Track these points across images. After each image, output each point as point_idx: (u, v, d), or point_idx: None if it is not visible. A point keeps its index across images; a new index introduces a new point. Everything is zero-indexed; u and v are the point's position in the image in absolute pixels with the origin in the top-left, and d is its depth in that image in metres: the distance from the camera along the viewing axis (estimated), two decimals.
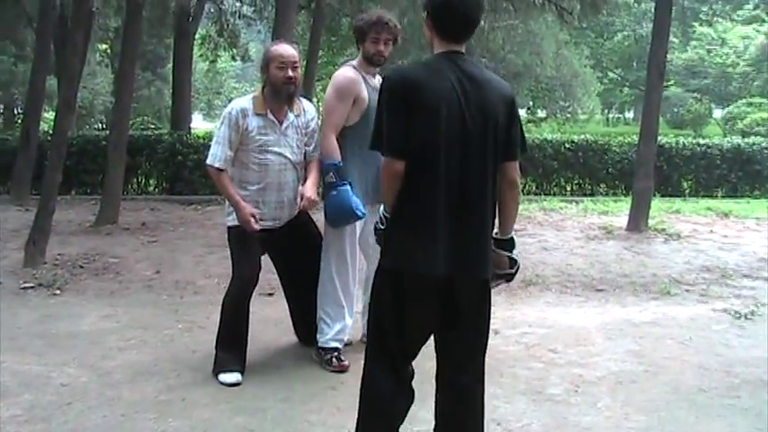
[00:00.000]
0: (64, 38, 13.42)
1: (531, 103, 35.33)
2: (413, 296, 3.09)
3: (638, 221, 10.29)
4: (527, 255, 8.40)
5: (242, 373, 4.60)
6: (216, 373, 4.62)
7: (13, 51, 25.01)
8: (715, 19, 41.87)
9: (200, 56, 24.56)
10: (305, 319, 5.07)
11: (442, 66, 3.08)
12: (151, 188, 14.45)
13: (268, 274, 5.23)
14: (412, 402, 3.34)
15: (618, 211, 11.98)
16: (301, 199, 4.72)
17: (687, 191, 15.80)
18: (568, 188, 15.68)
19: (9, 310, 6.09)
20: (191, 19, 18.86)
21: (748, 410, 4.35)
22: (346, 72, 4.87)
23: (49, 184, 8.00)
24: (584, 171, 15.55)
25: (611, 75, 42.77)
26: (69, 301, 6.45)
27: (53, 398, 4.31)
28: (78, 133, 14.80)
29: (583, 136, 16.38)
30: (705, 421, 4.20)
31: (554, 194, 15.23)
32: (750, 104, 31.60)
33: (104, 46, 26.67)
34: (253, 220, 4.61)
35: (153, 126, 25.88)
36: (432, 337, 3.25)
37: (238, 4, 20.88)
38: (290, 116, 4.76)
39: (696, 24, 40.40)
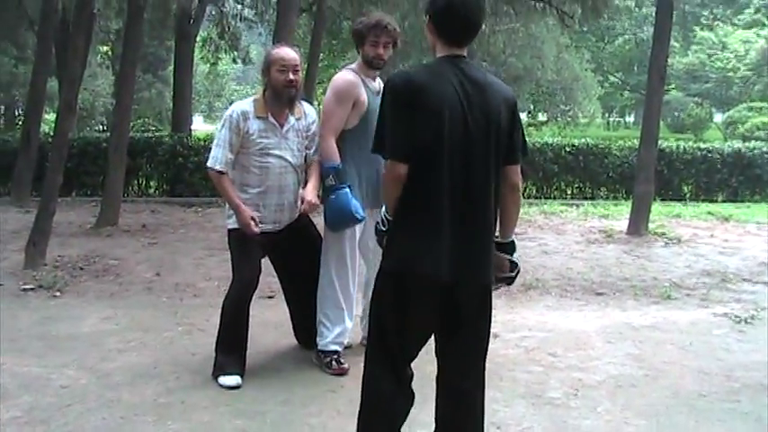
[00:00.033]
0: (65, 40, 13.41)
1: (531, 107, 35.36)
2: (414, 298, 3.09)
3: (638, 225, 10.29)
4: (527, 258, 8.41)
5: (242, 376, 4.60)
6: (215, 375, 4.61)
7: (14, 53, 25.02)
8: (716, 23, 41.89)
9: (201, 58, 24.61)
10: (305, 322, 5.06)
11: (444, 69, 3.08)
12: (152, 190, 14.45)
13: (268, 277, 5.23)
14: (412, 404, 3.33)
15: (618, 215, 12.00)
16: (302, 202, 4.72)
17: (688, 195, 15.79)
18: (569, 192, 15.68)
19: (9, 312, 6.08)
20: (192, 21, 18.87)
21: (748, 415, 4.34)
22: (345, 75, 4.87)
23: (50, 185, 8.00)
24: (584, 175, 15.54)
25: (611, 79, 42.82)
26: (69, 303, 6.45)
27: (53, 400, 4.31)
28: (79, 135, 14.80)
29: (583, 140, 16.40)
30: (705, 426, 4.19)
31: (554, 198, 15.24)
32: (751, 109, 31.62)
33: (105, 48, 26.69)
34: (253, 223, 4.61)
35: (154, 128, 25.89)
36: (433, 341, 3.26)
37: (239, 6, 20.91)
38: (291, 119, 4.76)
39: (697, 29, 40.45)
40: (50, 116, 21.98)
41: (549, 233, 10.45)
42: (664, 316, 6.41)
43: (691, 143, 17.19)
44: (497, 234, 3.24)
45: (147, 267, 7.75)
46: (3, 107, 32.90)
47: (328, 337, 4.87)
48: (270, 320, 5.77)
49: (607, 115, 47.28)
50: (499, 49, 22.04)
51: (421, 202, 3.04)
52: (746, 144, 17.26)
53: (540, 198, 15.06)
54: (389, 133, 3.05)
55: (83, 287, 6.97)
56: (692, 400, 4.54)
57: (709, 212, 12.79)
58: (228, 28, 20.64)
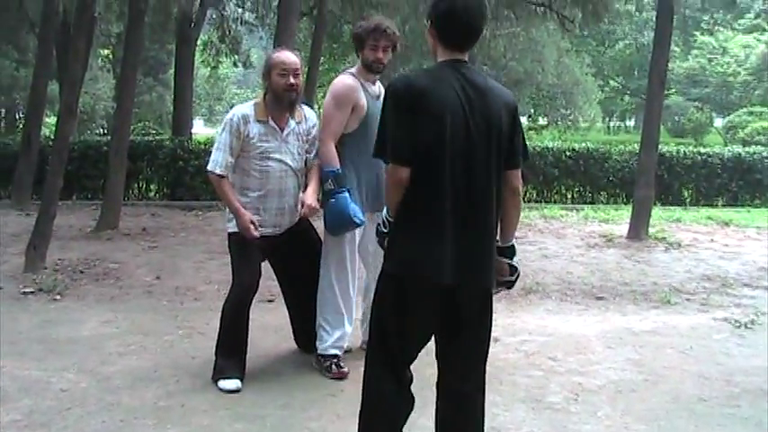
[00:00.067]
0: (66, 43, 13.44)
1: (532, 111, 35.36)
2: (416, 301, 3.10)
3: (638, 230, 10.29)
4: (527, 262, 8.41)
5: (241, 380, 4.59)
6: (215, 379, 4.61)
7: (15, 56, 25.06)
8: (716, 28, 41.90)
9: (202, 62, 24.63)
10: (304, 326, 5.06)
11: (445, 74, 3.09)
12: (152, 194, 14.45)
13: (268, 280, 5.23)
14: (412, 408, 3.34)
15: (618, 220, 12.00)
16: (302, 206, 4.72)
17: (688, 200, 15.80)
18: (569, 196, 15.69)
19: (9, 315, 6.08)
20: (193, 25, 18.90)
21: (748, 420, 4.34)
22: (344, 80, 4.87)
23: (50, 188, 8.00)
24: (584, 179, 15.55)
25: (612, 83, 42.84)
26: (69, 307, 6.45)
27: (53, 403, 4.30)
28: (80, 138, 14.83)
29: (584, 144, 16.41)
30: (705, 430, 4.19)
31: (555, 202, 15.24)
32: (751, 113, 31.61)
33: (106, 51, 26.76)
34: (252, 227, 4.61)
35: (154, 131, 25.91)
36: (433, 344, 3.26)
37: (240, 10, 20.94)
38: (292, 123, 4.77)
39: (697, 33, 40.44)
40: (51, 119, 22.03)
41: (550, 237, 10.46)
42: (664, 320, 6.41)
43: (691, 148, 17.22)
44: (497, 238, 3.25)
45: (148, 271, 7.75)
46: (3, 110, 32.94)
47: (328, 341, 4.87)
48: (270, 324, 5.77)
49: (607, 119, 47.31)
50: (500, 53, 22.05)
51: (423, 206, 3.05)
52: (746, 149, 17.30)
53: (541, 202, 15.06)
54: (391, 137, 3.05)
55: (83, 290, 6.97)
56: (692, 404, 4.53)
57: (709, 217, 12.79)
58: (229, 31, 20.67)
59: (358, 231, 4.83)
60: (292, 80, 4.63)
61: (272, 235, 4.76)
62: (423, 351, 3.30)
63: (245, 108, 4.75)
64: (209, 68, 27.77)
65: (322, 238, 4.94)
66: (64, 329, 5.74)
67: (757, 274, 8.31)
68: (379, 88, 4.95)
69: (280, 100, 4.67)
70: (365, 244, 4.96)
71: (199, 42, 21.26)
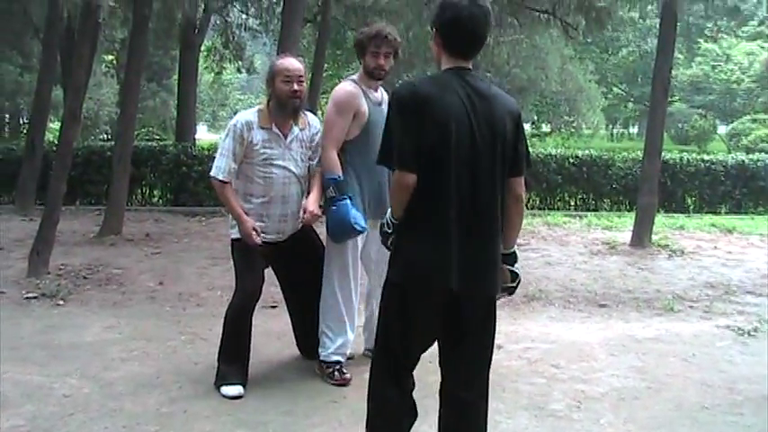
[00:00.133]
0: (70, 49, 13.45)
1: (535, 118, 35.41)
2: (420, 308, 3.12)
3: (641, 237, 10.29)
4: (530, 269, 8.41)
5: (244, 386, 4.59)
6: (218, 385, 4.61)
7: (19, 62, 25.12)
8: (720, 35, 41.88)
9: (206, 67, 24.67)
10: (307, 332, 5.06)
11: (450, 81, 3.09)
12: (155, 199, 14.46)
13: (271, 287, 5.23)
14: (415, 418, 3.35)
15: (622, 227, 12.00)
16: (304, 213, 4.72)
17: (691, 207, 15.78)
18: (572, 203, 15.68)
19: (12, 320, 6.09)
20: (197, 31, 18.96)
21: (751, 428, 4.33)
22: (346, 86, 4.87)
23: (54, 194, 8.01)
24: (588, 186, 15.54)
25: (615, 90, 42.83)
26: (72, 312, 6.45)
27: (55, 409, 4.30)
28: (83, 144, 14.82)
29: (587, 151, 16.39)
30: None
31: (558, 209, 15.22)
32: (755, 121, 31.63)
33: (110, 57, 26.78)
34: (255, 233, 4.61)
35: (158, 137, 25.94)
36: (436, 351, 3.27)
37: (244, 16, 20.97)
38: (295, 130, 4.77)
39: (701, 40, 40.44)
40: (55, 125, 22.05)
41: (553, 244, 10.45)
42: (667, 328, 6.40)
43: (694, 155, 17.17)
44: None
45: (151, 276, 7.75)
46: (7, 116, 33.02)
47: (331, 348, 4.87)
48: (272, 330, 5.77)
49: (611, 126, 47.30)
50: (503, 60, 22.05)
51: (428, 214, 3.05)
52: (750, 156, 17.27)
53: (544, 209, 15.05)
54: (397, 144, 3.06)
55: (86, 296, 6.97)
56: (694, 412, 4.53)
57: (712, 224, 12.78)
58: (233, 37, 20.71)
59: (360, 238, 4.82)
60: (296, 87, 4.64)
61: (275, 241, 4.76)
62: (426, 358, 3.31)
63: (249, 114, 4.75)
64: (212, 74, 27.82)
65: (325, 245, 4.95)
66: (67, 335, 5.74)
67: (761, 281, 8.29)
68: (381, 95, 4.96)
69: (283, 107, 4.67)
70: (368, 251, 4.96)
71: (203, 48, 21.33)
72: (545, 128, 36.50)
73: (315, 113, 5.70)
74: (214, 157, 4.76)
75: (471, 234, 3.04)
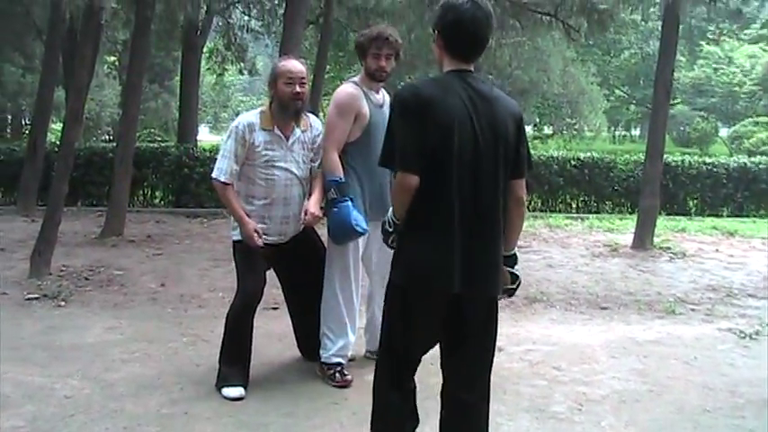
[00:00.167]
0: (72, 50, 13.46)
1: (537, 120, 35.41)
2: (422, 309, 3.13)
3: (643, 239, 10.29)
4: (532, 271, 8.41)
5: (245, 388, 4.59)
6: (219, 387, 4.61)
7: (21, 63, 25.13)
8: (722, 38, 41.87)
9: (208, 69, 24.64)
10: (308, 334, 5.05)
11: (452, 84, 3.09)
12: (157, 200, 14.48)
13: (273, 288, 5.23)
14: (417, 424, 3.36)
15: (623, 229, 11.99)
16: (305, 214, 4.72)
17: (693, 209, 15.78)
18: (574, 205, 15.69)
19: (13, 321, 6.09)
20: (199, 32, 18.95)
21: (753, 431, 4.33)
22: (347, 88, 4.87)
23: (56, 195, 8.02)
24: (589, 188, 15.55)
25: (617, 92, 42.82)
26: (74, 313, 6.45)
27: (56, 410, 4.30)
28: (85, 145, 14.86)
29: (589, 153, 16.41)
30: None
31: (559, 211, 15.23)
32: (756, 123, 31.61)
33: (112, 58, 26.75)
34: (256, 235, 4.61)
35: (159, 138, 25.99)
36: (438, 353, 3.27)
37: (246, 18, 20.95)
38: (297, 131, 4.77)
39: (703, 43, 40.44)
40: (57, 126, 22.03)
41: (554, 246, 10.45)
42: (668, 331, 6.40)
43: (696, 157, 17.19)
44: None
45: (152, 278, 7.76)
46: (10, 116, 33.06)
47: (332, 350, 4.87)
48: (274, 332, 5.77)
49: (613, 129, 47.29)
50: (505, 62, 22.03)
51: (430, 216, 3.06)
52: (752, 159, 17.29)
53: (546, 211, 15.06)
54: (400, 145, 3.06)
55: (87, 297, 6.98)
56: (696, 415, 4.52)
57: (714, 227, 12.78)
58: (235, 39, 20.68)
59: (362, 240, 4.82)
60: (298, 89, 4.64)
61: (276, 243, 4.76)
62: (428, 359, 3.32)
63: (251, 116, 4.75)
64: (214, 76, 27.77)
65: (326, 247, 4.95)
66: (68, 336, 5.75)
67: (762, 284, 8.29)
68: (382, 96, 4.96)
69: (285, 108, 4.67)
70: (369, 253, 4.96)
71: (205, 50, 21.30)
72: (547, 130, 36.50)
73: (316, 115, 5.70)
74: (216, 159, 4.77)
75: (473, 236, 3.04)
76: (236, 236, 4.74)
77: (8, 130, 33.11)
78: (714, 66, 38.41)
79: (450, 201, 3.02)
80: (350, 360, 5.02)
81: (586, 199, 15.70)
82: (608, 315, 6.90)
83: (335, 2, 13.92)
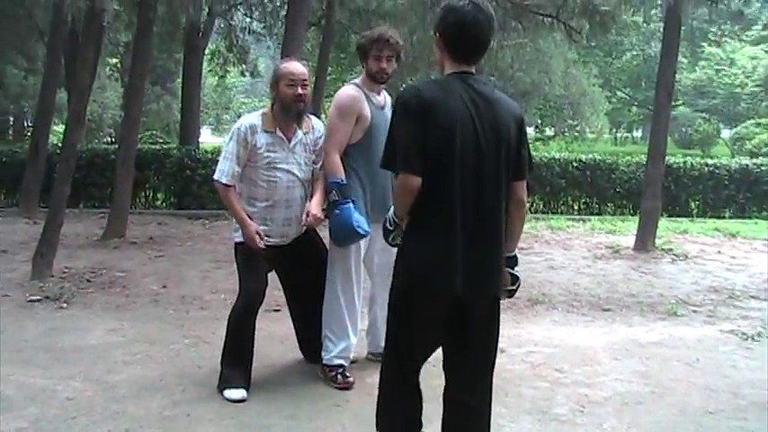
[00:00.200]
0: (74, 52, 13.48)
1: (539, 122, 35.34)
2: (425, 311, 3.14)
3: (645, 241, 10.28)
4: (534, 273, 8.41)
5: (247, 390, 4.59)
6: (221, 389, 4.61)
7: (24, 65, 25.19)
8: (724, 39, 41.79)
9: (210, 71, 24.67)
10: (310, 336, 5.06)
11: (454, 86, 3.10)
12: (159, 202, 14.48)
13: (275, 290, 5.23)
14: (420, 428, 3.38)
15: (625, 231, 11.98)
16: (307, 216, 4.72)
17: (695, 211, 15.77)
18: (576, 207, 15.68)
19: (15, 323, 6.09)
20: (201, 34, 18.95)
21: None
22: (348, 90, 4.88)
23: (58, 196, 8.03)
24: (591, 190, 15.54)
25: (619, 94, 42.77)
26: (76, 315, 6.46)
27: (58, 411, 4.31)
28: (87, 147, 14.87)
29: (591, 155, 16.38)
30: None
31: (561, 213, 15.23)
32: (758, 125, 31.58)
33: (114, 60, 26.80)
34: (258, 237, 4.62)
35: (161, 140, 25.96)
36: (440, 355, 3.28)
37: (248, 19, 20.97)
38: (299, 133, 4.77)
39: (705, 44, 40.36)
40: (59, 128, 22.04)
41: (556, 248, 10.44)
42: (670, 332, 6.39)
43: (698, 159, 17.16)
44: None
45: (154, 280, 7.76)
46: (12, 118, 33.10)
47: (333, 352, 4.87)
48: (276, 334, 5.77)
49: (614, 130, 47.26)
50: (507, 63, 22.03)
51: (433, 218, 3.07)
52: (754, 160, 17.29)
53: (547, 213, 15.05)
54: (402, 147, 3.06)
55: (89, 299, 6.98)
56: (698, 417, 4.52)
57: (716, 229, 12.77)
58: (237, 41, 20.70)
59: (363, 242, 4.83)
60: (300, 91, 4.64)
61: (278, 245, 4.76)
62: (430, 362, 3.33)
63: (253, 118, 4.76)
64: (216, 77, 27.78)
65: (328, 249, 4.95)
66: (70, 338, 5.75)
67: (764, 286, 8.28)
68: (384, 98, 4.96)
69: (287, 110, 4.67)
70: (371, 254, 4.96)
71: (207, 52, 21.31)
72: (549, 132, 36.44)
73: (318, 117, 5.70)
74: (218, 161, 4.77)
75: (475, 238, 3.05)
76: (238, 238, 4.74)
77: (10, 132, 33.16)
78: (716, 67, 38.35)
79: (453, 202, 3.02)
80: (352, 362, 5.02)
81: (588, 201, 15.69)
82: (610, 317, 6.90)
83: (337, 4, 13.94)
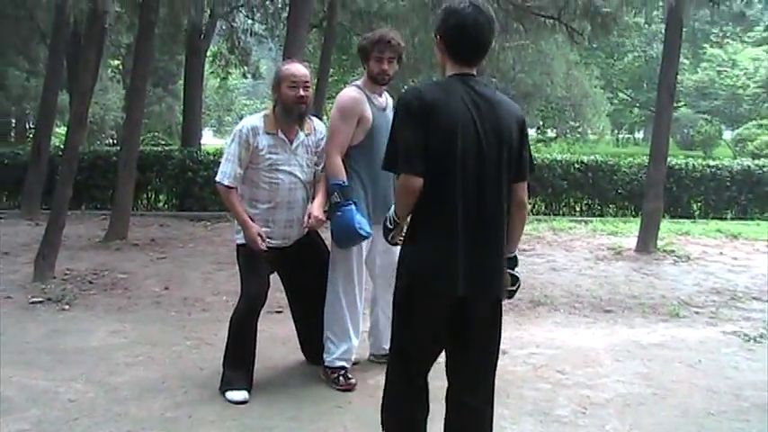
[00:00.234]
0: (76, 54, 13.52)
1: (541, 123, 35.33)
2: (428, 313, 3.15)
3: (647, 243, 10.27)
4: (536, 275, 8.41)
5: (249, 391, 4.59)
6: (223, 390, 4.61)
7: (26, 66, 25.22)
8: (725, 41, 41.80)
9: (212, 73, 24.71)
10: (312, 338, 5.06)
11: (455, 87, 3.10)
12: (161, 204, 14.48)
13: (277, 292, 5.23)
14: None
15: (627, 232, 11.98)
16: (309, 218, 4.72)
17: (697, 212, 15.75)
18: (578, 208, 15.66)
19: (18, 325, 6.10)
20: (202, 36, 18.99)
21: None
22: (349, 92, 4.88)
23: (60, 198, 8.03)
24: (593, 191, 15.52)
25: (621, 95, 42.73)
26: (78, 317, 6.46)
27: (60, 413, 4.31)
28: (89, 148, 14.89)
29: (592, 156, 16.37)
30: None
31: (563, 214, 15.22)
32: (760, 126, 31.57)
33: (116, 62, 26.87)
34: (260, 239, 4.62)
35: (163, 142, 26.01)
36: (443, 356, 3.29)
37: (250, 21, 20.98)
38: (301, 135, 4.77)
39: (707, 46, 40.34)
40: (61, 129, 22.10)
41: (558, 250, 10.44)
42: (672, 334, 6.39)
43: (700, 160, 17.16)
44: None
45: (156, 281, 7.76)
46: (14, 120, 33.14)
47: (335, 354, 4.87)
48: (278, 335, 5.77)
49: (616, 132, 47.19)
50: (509, 65, 22.02)
51: (434, 220, 3.07)
52: (756, 161, 17.25)
53: (549, 214, 15.04)
54: (403, 148, 3.06)
55: (91, 301, 6.98)
56: (700, 418, 4.51)
57: (718, 230, 12.76)
58: (239, 43, 20.72)
59: (365, 244, 4.83)
60: (302, 92, 4.64)
61: (280, 247, 4.76)
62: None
63: (255, 120, 4.76)
64: (218, 79, 27.84)
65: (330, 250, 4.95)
66: (72, 339, 5.75)
67: (766, 287, 8.26)
68: (385, 100, 4.96)
69: (289, 112, 4.67)
70: (372, 256, 4.96)
71: (208, 53, 21.35)
72: (550, 133, 36.44)
73: (320, 119, 5.70)
74: (220, 163, 4.77)
75: (477, 240, 3.05)
76: (240, 239, 4.74)
77: (12, 134, 33.20)
78: (718, 68, 38.31)
79: (454, 204, 3.03)
80: (354, 364, 5.02)
81: (590, 202, 15.67)
82: (612, 318, 6.90)
83: (339, 5, 13.95)
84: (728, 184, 15.75)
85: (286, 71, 4.71)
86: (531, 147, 3.36)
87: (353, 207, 4.64)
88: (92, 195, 13.73)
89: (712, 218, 15.23)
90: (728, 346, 6.06)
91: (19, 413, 4.27)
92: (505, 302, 3.35)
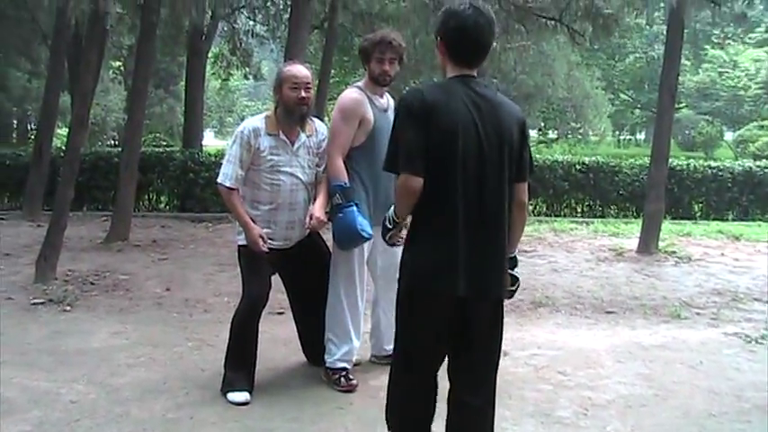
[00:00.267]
0: (78, 55, 13.50)
1: (542, 125, 35.32)
2: (429, 313, 3.16)
3: (648, 244, 10.27)
4: (537, 276, 8.41)
5: (250, 393, 4.59)
6: (224, 391, 4.61)
7: (27, 68, 25.25)
8: (727, 42, 41.78)
9: (213, 74, 24.72)
10: (313, 339, 5.05)
11: (456, 89, 3.11)
12: (162, 205, 14.48)
13: (278, 293, 5.22)
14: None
15: (628, 233, 11.98)
16: (310, 219, 4.72)
17: (698, 213, 15.74)
18: (579, 209, 15.65)
19: (19, 326, 6.10)
20: (204, 37, 18.99)
21: None
22: (351, 93, 4.88)
23: (61, 200, 8.04)
24: (594, 193, 15.51)
25: (622, 96, 42.74)
26: (79, 318, 6.46)
27: (62, 414, 4.31)
28: (91, 150, 14.87)
29: (594, 157, 16.37)
30: None
31: (565, 216, 15.21)
32: (761, 127, 31.58)
33: (118, 63, 26.88)
34: (261, 240, 4.62)
35: (165, 143, 26.00)
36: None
37: (251, 23, 20.99)
38: (302, 136, 4.77)
39: (708, 47, 40.35)
40: (63, 131, 22.12)
41: (560, 251, 10.44)
42: (674, 335, 6.39)
43: (701, 161, 17.14)
44: None
45: (158, 282, 7.76)
46: (15, 121, 33.20)
47: (336, 355, 4.87)
48: (279, 337, 5.77)
49: (618, 133, 47.19)
50: (510, 66, 21.98)
51: (435, 221, 3.08)
52: (757, 163, 17.23)
53: (551, 216, 15.03)
54: (404, 149, 3.07)
55: (93, 302, 6.98)
56: (702, 420, 4.51)
57: (719, 231, 12.76)
58: (240, 44, 20.72)
59: (366, 245, 4.82)
60: (303, 94, 4.64)
61: (282, 248, 4.76)
62: None
63: (256, 121, 4.76)
64: (219, 81, 27.83)
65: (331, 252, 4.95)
66: (73, 341, 5.76)
67: None
68: (386, 101, 4.96)
69: (291, 113, 4.67)
70: (374, 257, 4.96)
71: (210, 55, 21.35)
72: (552, 134, 36.45)
73: (322, 120, 5.70)
74: (221, 164, 4.77)
75: (478, 240, 3.06)
76: (242, 241, 4.74)
77: (14, 135, 33.24)
78: (719, 69, 38.34)
79: (455, 204, 3.03)
80: (355, 365, 5.02)
81: (591, 203, 15.66)
82: (613, 319, 6.90)
83: (340, 7, 13.95)
84: (730, 185, 15.74)
85: (287, 72, 4.71)
86: (533, 148, 3.38)
87: (355, 208, 4.64)
88: (93, 196, 13.73)
89: (713, 219, 15.22)
90: (730, 348, 6.06)
91: (20, 414, 4.28)
92: (506, 303, 3.36)
